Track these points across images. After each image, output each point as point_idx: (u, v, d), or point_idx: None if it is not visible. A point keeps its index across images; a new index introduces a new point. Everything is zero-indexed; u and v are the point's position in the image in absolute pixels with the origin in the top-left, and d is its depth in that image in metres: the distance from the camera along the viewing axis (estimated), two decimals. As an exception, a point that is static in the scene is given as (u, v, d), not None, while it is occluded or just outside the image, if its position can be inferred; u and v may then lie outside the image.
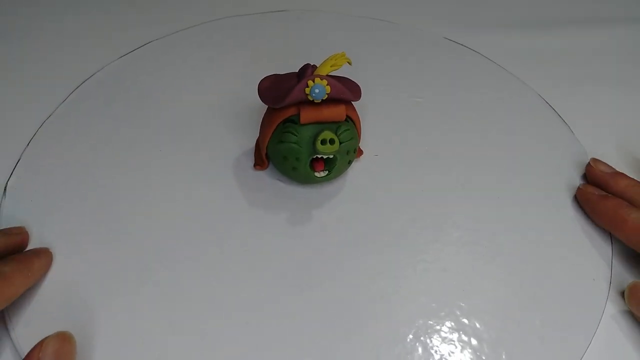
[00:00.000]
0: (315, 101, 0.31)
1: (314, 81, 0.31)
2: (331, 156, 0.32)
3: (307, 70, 0.32)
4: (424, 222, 0.36)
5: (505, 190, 0.38)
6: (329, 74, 0.32)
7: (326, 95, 0.31)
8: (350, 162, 0.34)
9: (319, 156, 0.32)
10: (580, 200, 0.37)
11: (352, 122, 0.34)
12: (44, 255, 0.32)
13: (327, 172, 0.33)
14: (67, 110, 0.41)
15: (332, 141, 0.31)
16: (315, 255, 0.34)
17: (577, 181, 0.39)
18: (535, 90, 0.46)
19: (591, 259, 0.35)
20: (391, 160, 0.39)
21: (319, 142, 0.31)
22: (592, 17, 0.53)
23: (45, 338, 0.27)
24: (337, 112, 0.32)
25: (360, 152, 0.38)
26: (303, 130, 0.32)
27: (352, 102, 0.34)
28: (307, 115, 0.32)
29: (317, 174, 0.33)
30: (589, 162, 0.38)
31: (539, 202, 0.38)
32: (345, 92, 0.31)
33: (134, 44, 0.47)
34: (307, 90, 0.31)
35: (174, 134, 0.40)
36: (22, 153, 0.38)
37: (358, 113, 0.35)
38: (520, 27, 0.52)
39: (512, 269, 0.34)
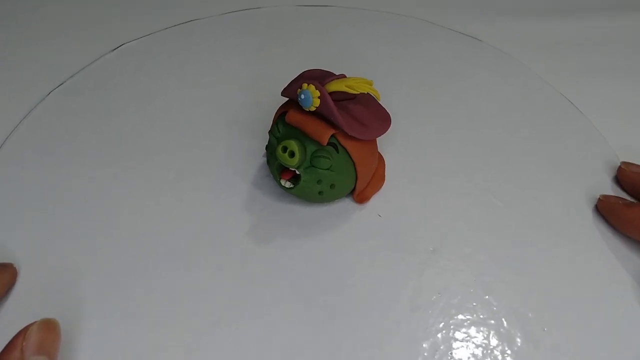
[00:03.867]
0: (305, 108, 0.30)
1: (308, 86, 0.29)
2: (296, 171, 0.30)
3: (325, 79, 0.31)
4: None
5: (529, 197, 0.36)
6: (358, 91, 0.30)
7: (313, 107, 0.29)
8: (322, 194, 0.32)
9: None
10: (603, 211, 0.35)
11: (345, 154, 0.31)
12: (8, 271, 0.30)
13: (291, 186, 0.31)
14: (45, 110, 0.40)
15: (292, 154, 0.29)
16: (303, 271, 0.33)
17: (606, 179, 0.37)
18: (550, 84, 0.43)
19: (622, 269, 0.33)
20: (388, 229, 0.34)
21: (281, 147, 0.29)
22: (609, 5, 0.50)
23: (29, 325, 0.25)
24: (318, 131, 0.30)
25: (364, 199, 0.35)
26: (286, 130, 0.31)
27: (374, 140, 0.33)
28: (291, 116, 0.31)
29: (282, 181, 0.31)
30: (620, 166, 0.37)
31: (567, 208, 0.36)
32: (335, 115, 0.29)
33: (124, 38, 0.45)
34: (298, 92, 0.29)
35: (164, 135, 0.39)
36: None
37: (373, 156, 0.34)
38: (533, 15, 0.49)
39: (535, 284, 0.33)
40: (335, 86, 0.30)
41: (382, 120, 0.33)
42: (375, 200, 0.35)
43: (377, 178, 0.36)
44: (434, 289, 0.32)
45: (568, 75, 0.44)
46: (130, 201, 0.35)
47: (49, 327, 0.26)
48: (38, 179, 0.36)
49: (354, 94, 0.31)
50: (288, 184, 0.31)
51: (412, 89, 0.42)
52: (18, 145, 0.38)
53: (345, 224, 0.34)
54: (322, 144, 0.30)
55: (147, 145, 0.38)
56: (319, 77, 0.31)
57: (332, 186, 0.31)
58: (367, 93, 0.31)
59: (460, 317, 0.31)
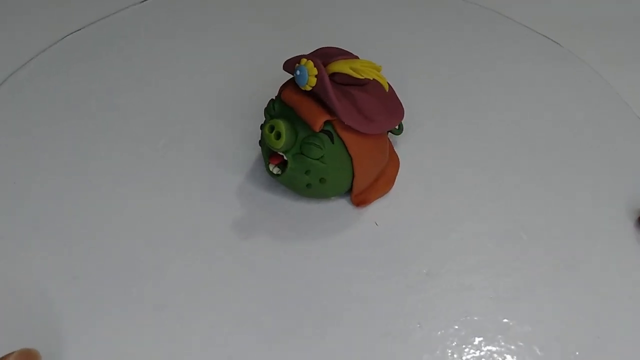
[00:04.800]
0: (300, 86, 0.27)
1: (306, 62, 0.26)
2: (284, 156, 0.28)
3: (333, 58, 0.27)
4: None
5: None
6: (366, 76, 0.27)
7: (309, 86, 0.26)
8: (310, 187, 0.29)
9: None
10: None
11: (341, 146, 0.28)
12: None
13: (279, 172, 0.29)
14: (55, 54, 0.39)
15: (278, 135, 0.26)
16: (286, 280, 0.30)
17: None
18: (601, 75, 0.39)
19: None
20: (383, 241, 0.31)
21: (268, 126, 0.26)
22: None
23: (8, 355, 0.23)
24: (312, 114, 0.27)
25: (363, 202, 0.32)
26: (281, 110, 0.28)
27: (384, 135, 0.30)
28: (287, 94, 0.28)
29: (270, 166, 0.29)
30: None
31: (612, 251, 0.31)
32: (331, 98, 0.25)
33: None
34: (296, 67, 0.27)
35: (158, 105, 0.36)
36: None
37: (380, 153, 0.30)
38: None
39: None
40: (338, 67, 0.26)
41: (391, 113, 0.29)
42: (377, 206, 0.32)
43: (383, 180, 0.32)
44: (415, 317, 0.28)
45: (620, 67, 0.39)
46: (102, 178, 0.33)
47: (29, 356, 0.24)
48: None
49: (364, 81, 0.27)
50: (276, 170, 0.29)
51: (440, 80, 0.38)
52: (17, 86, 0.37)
53: (335, 228, 0.31)
54: (314, 129, 0.27)
55: (133, 113, 0.36)
56: (332, 56, 0.28)
57: (322, 180, 0.28)
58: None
59: (437, 353, 0.27)
